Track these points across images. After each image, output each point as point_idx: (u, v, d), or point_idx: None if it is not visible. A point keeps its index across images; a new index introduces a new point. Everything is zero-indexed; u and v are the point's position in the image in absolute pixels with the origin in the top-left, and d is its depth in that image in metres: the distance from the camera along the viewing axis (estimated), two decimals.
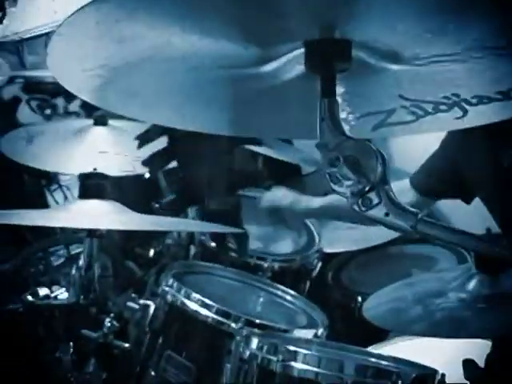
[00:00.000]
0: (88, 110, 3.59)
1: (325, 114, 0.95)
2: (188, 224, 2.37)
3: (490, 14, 0.91)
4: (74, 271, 1.92)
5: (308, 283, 2.65)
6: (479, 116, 1.22)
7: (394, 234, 2.90)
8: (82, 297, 1.96)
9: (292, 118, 1.21)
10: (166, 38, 0.93)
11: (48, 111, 3.59)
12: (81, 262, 1.94)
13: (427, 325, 1.23)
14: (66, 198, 3.45)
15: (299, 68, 1.02)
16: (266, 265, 2.50)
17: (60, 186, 3.50)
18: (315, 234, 2.77)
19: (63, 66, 0.99)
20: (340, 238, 2.93)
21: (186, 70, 1.07)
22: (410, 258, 3.00)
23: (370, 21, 0.90)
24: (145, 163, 2.50)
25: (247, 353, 1.68)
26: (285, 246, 2.68)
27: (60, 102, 3.66)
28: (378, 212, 0.90)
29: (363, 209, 0.91)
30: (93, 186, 1.87)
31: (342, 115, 1.12)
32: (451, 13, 0.90)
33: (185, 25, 0.93)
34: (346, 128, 1.08)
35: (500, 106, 1.17)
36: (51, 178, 3.46)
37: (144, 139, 2.49)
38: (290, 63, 1.01)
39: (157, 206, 2.87)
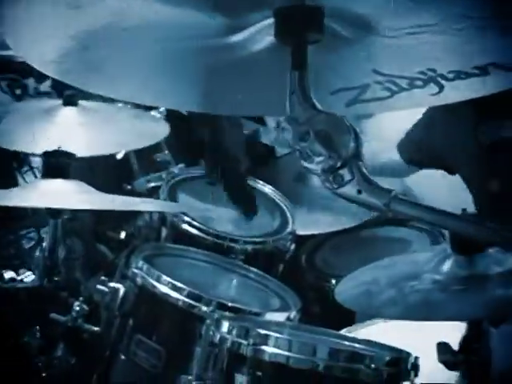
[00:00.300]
0: (59, 90, 3.52)
1: (295, 87, 0.91)
2: (156, 204, 2.31)
3: None
4: (38, 253, 1.87)
5: (281, 266, 2.61)
6: (456, 92, 1.18)
7: (367, 217, 2.91)
8: (46, 280, 1.90)
9: (263, 93, 1.16)
10: (127, 3, 0.89)
11: (18, 91, 3.53)
12: (45, 244, 1.89)
13: (401, 308, 1.20)
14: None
15: (269, 39, 0.98)
16: (238, 247, 2.45)
17: (31, 168, 3.44)
18: (289, 216, 2.73)
19: (20, 37, 0.94)
20: (314, 221, 2.90)
21: (151, 41, 1.02)
22: (383, 240, 2.98)
23: None
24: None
25: (217, 336, 1.64)
26: (258, 228, 2.64)
27: (31, 82, 3.61)
28: (350, 189, 0.86)
29: (335, 186, 0.87)
30: (57, 164, 1.81)
31: (314, 90, 1.08)
32: None
33: None
34: (318, 104, 1.04)
35: (477, 81, 1.13)
36: (22, 160, 3.40)
37: None
38: (260, 33, 0.97)
39: (128, 187, 2.83)
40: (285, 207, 2.75)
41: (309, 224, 2.85)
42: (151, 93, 1.20)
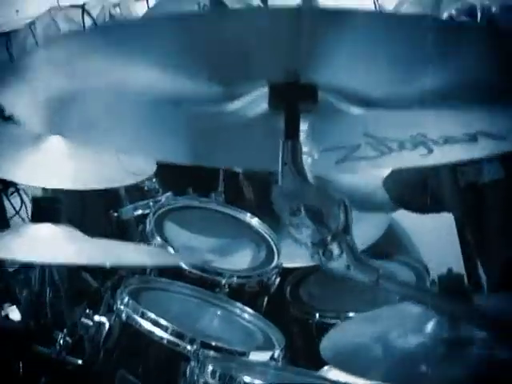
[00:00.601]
0: None
1: (287, 158, 0.92)
2: (149, 255, 2.28)
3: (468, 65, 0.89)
4: (25, 293, 1.86)
5: (266, 299, 2.61)
6: (444, 155, 1.20)
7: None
8: (32, 323, 1.90)
9: (254, 154, 1.18)
10: (124, 74, 0.90)
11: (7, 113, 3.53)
12: (32, 284, 1.88)
13: (384, 371, 1.21)
14: (22, 202, 3.39)
15: (264, 106, 0.99)
16: (223, 281, 2.45)
17: (17, 190, 3.44)
18: (274, 248, 2.73)
19: (16, 99, 0.95)
20: (299, 253, 2.89)
21: (145, 103, 1.03)
22: None
23: (337, 66, 0.88)
24: None
25: (201, 381, 1.64)
26: (244, 261, 2.64)
27: None
28: (339, 264, 0.87)
29: (324, 260, 0.88)
30: (45, 209, 1.81)
31: (305, 148, 1.09)
32: (427, 60, 0.87)
33: (146, 61, 0.89)
34: (309, 161, 1.05)
35: (466, 147, 1.16)
36: (8, 183, 3.39)
37: None
38: (255, 101, 0.98)
39: (115, 214, 2.83)
40: (270, 240, 2.75)
41: (294, 256, 2.85)
42: (142, 146, 1.22)
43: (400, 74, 0.92)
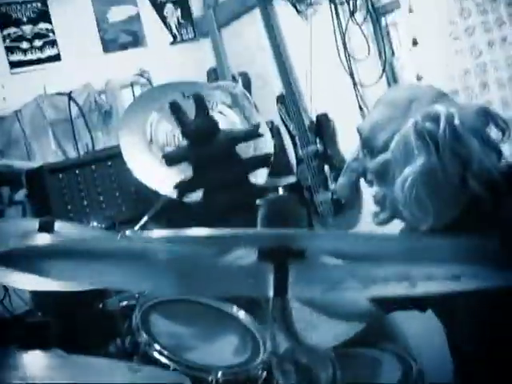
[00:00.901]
0: (33, 201, 3.58)
1: (276, 314, 0.95)
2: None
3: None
4: None
5: None
6: (426, 289, 1.24)
7: (338, 337, 2.94)
8: None
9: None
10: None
11: None
12: None
13: None
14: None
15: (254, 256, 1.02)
16: (210, 378, 2.45)
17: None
18: (260, 340, 2.74)
19: None
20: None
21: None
22: (354, 357, 3.00)
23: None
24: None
25: None
26: (230, 357, 2.64)
27: (5, 190, 3.65)
28: None
29: None
30: (35, 334, 1.80)
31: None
32: None
33: None
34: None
35: (448, 284, 1.20)
36: None
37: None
38: (247, 255, 1.01)
39: (100, 306, 2.84)
40: (256, 333, 2.75)
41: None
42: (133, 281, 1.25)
43: None
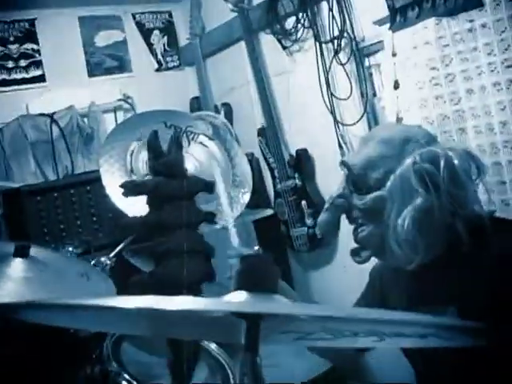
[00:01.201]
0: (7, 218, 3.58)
1: (247, 369, 0.97)
2: None
3: None
4: None
5: None
6: (394, 343, 1.27)
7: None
8: None
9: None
10: None
11: None
12: None
13: None
14: None
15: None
16: None
17: None
18: (230, 375, 2.74)
19: None
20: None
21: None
22: None
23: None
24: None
25: None
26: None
27: None
28: None
29: None
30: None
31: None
32: None
33: None
34: None
35: (414, 340, 1.23)
36: None
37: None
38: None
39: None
40: (226, 365, 2.76)
41: None
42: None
43: None
